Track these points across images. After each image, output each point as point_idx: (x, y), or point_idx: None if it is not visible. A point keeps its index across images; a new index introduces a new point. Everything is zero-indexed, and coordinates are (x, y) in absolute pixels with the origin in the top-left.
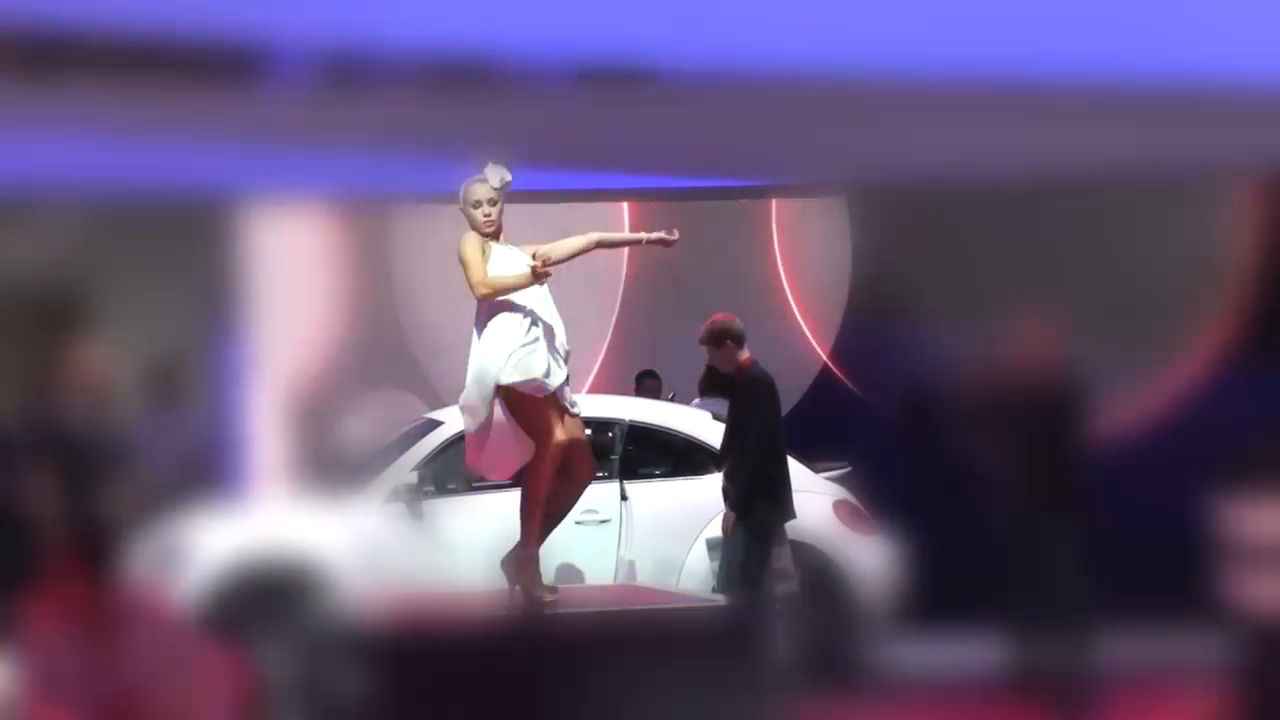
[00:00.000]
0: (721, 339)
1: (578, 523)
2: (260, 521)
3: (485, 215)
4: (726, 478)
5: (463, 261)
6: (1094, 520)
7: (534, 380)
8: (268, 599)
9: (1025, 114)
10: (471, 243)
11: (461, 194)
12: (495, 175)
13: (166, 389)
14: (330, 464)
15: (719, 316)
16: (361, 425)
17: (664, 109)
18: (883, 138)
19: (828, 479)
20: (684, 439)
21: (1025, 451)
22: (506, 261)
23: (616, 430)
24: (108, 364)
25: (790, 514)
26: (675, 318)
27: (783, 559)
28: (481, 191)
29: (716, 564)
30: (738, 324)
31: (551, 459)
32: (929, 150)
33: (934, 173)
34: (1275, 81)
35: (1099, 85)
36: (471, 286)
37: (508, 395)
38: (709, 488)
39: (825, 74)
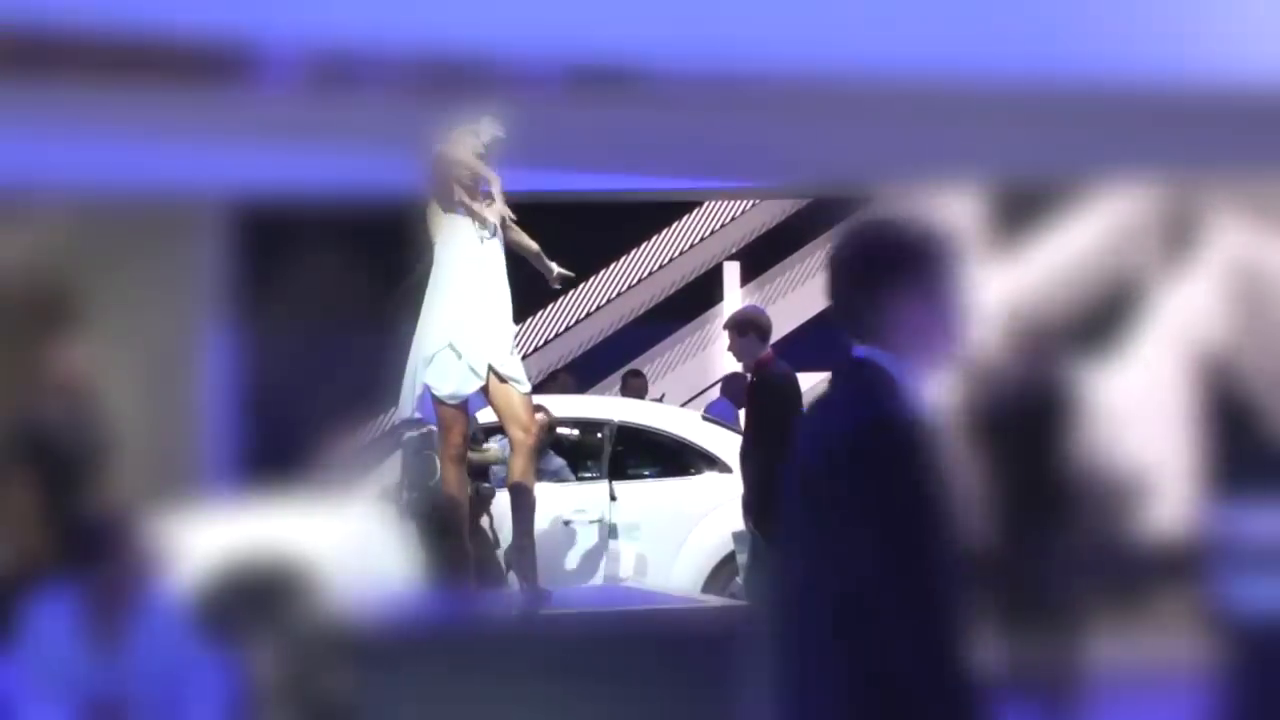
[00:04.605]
0: (744, 329)
1: (566, 523)
2: (249, 521)
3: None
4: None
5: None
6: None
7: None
8: (257, 599)
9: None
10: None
11: (448, 143)
12: (486, 130)
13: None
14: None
15: (748, 307)
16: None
17: (653, 111)
18: (873, 138)
19: None
20: (673, 440)
21: (1013, 455)
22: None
23: (605, 431)
24: (91, 364)
25: None
26: None
27: None
28: (469, 148)
29: (744, 557)
30: (764, 317)
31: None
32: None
33: (924, 173)
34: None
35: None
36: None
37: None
38: (697, 488)
39: (814, 74)
